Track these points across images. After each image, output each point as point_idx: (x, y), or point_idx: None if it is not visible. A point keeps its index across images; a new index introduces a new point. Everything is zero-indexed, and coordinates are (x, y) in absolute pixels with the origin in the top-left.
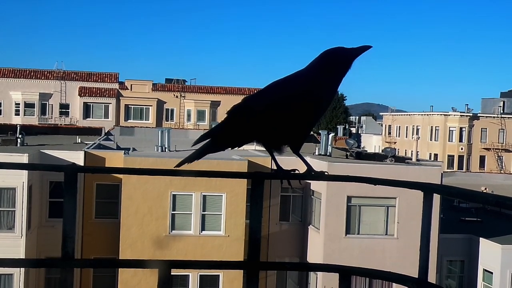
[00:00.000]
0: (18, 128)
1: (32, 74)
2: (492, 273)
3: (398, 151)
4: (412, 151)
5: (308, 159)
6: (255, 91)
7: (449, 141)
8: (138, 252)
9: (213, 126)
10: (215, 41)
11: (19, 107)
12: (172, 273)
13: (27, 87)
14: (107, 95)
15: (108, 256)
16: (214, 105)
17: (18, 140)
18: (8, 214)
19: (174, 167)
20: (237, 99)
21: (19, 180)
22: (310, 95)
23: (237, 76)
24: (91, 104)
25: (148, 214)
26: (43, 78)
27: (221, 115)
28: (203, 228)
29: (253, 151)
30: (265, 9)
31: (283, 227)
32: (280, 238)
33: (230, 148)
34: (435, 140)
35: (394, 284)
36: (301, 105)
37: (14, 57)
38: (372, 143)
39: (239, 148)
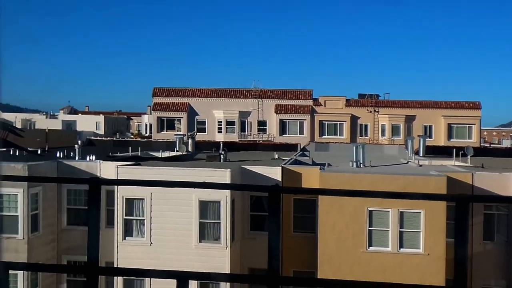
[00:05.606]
0: (221, 144)
1: (232, 93)
2: None
3: None
4: None
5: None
6: (452, 104)
7: None
8: (335, 267)
9: (408, 141)
10: (407, 54)
11: (221, 124)
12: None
13: (228, 106)
14: (301, 112)
15: (306, 270)
16: (409, 119)
17: (221, 156)
18: (214, 226)
19: None
20: (433, 113)
21: (223, 194)
22: None
23: (432, 89)
24: (287, 120)
25: (345, 230)
26: (242, 97)
27: (417, 130)
28: (401, 246)
29: (452, 166)
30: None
31: (487, 247)
32: (484, 258)
33: None
34: None
35: None
36: None
37: (215, 77)
38: None
39: (438, 164)
